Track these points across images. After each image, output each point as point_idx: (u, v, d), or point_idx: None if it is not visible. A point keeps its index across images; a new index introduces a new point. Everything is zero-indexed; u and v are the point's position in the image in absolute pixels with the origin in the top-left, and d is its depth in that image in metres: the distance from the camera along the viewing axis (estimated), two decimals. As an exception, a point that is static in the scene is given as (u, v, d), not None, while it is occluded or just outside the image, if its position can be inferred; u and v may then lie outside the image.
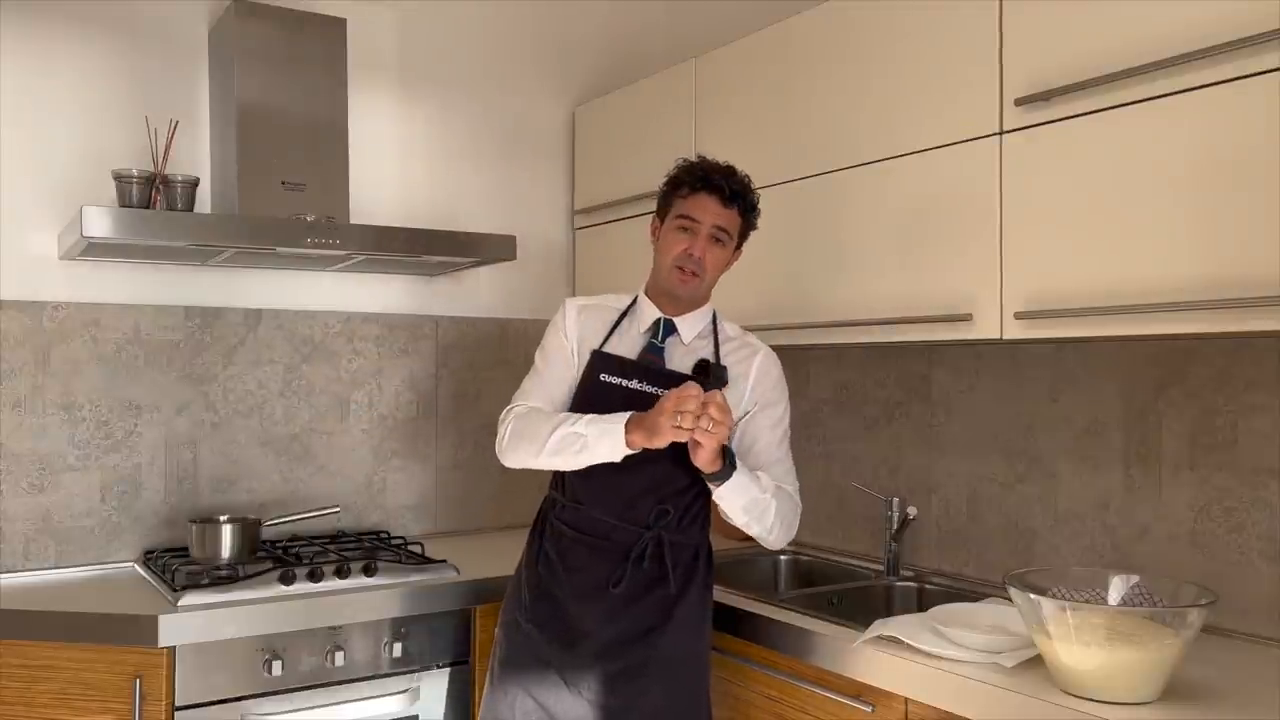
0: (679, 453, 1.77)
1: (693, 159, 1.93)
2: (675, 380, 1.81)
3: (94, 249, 2.21)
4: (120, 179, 2.29)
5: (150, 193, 2.32)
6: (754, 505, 1.80)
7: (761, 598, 2.07)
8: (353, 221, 2.59)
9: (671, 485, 1.85)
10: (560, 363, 1.95)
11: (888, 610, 2.27)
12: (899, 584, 2.32)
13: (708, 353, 1.90)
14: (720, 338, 1.93)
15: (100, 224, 2.03)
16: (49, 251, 2.39)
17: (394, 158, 2.84)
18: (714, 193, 1.85)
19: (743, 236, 1.93)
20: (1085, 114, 1.70)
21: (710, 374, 1.84)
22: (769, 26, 2.36)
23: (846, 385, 2.63)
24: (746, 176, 1.91)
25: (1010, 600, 1.58)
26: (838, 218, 2.18)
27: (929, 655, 1.65)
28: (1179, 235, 1.58)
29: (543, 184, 3.09)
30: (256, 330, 2.63)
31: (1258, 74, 1.48)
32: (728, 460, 1.75)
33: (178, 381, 2.53)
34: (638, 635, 1.82)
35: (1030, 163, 1.79)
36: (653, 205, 2.70)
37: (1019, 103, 1.78)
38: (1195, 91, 1.55)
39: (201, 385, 2.56)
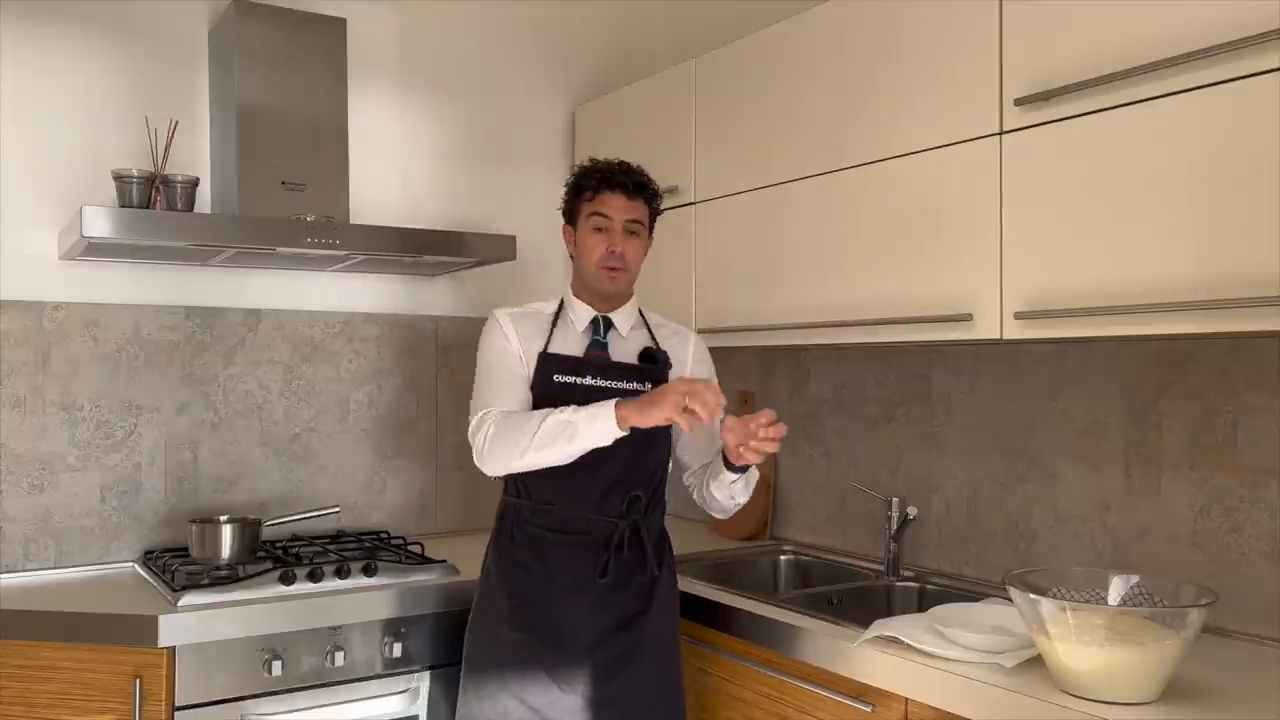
0: (645, 438, 1.85)
1: (585, 164, 2.01)
2: (625, 371, 1.93)
3: (94, 249, 2.21)
4: (120, 179, 2.29)
5: (150, 193, 2.32)
6: (751, 480, 1.95)
7: (761, 598, 2.07)
8: (353, 221, 2.60)
9: (641, 472, 1.92)
10: (514, 367, 1.95)
11: (888, 610, 2.27)
12: (899, 584, 2.32)
13: (646, 341, 1.99)
14: (652, 325, 2.03)
15: (100, 224, 2.03)
16: (49, 251, 2.39)
17: (394, 158, 2.84)
18: (619, 189, 1.93)
19: (652, 224, 2.02)
20: (1085, 114, 1.70)
21: (657, 360, 1.95)
22: (769, 26, 2.36)
23: (846, 385, 2.63)
24: (642, 169, 2.00)
25: (1010, 600, 1.58)
26: (837, 218, 2.18)
27: (929, 655, 1.65)
28: (1179, 235, 1.58)
29: (543, 184, 3.09)
30: (256, 330, 2.63)
31: (1258, 74, 1.48)
32: None
33: (178, 381, 2.53)
34: (623, 622, 1.89)
35: (1030, 163, 1.79)
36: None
37: (1019, 103, 1.78)
38: (1196, 91, 1.55)
39: (201, 385, 2.56)
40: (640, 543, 1.91)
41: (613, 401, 1.76)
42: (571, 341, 1.97)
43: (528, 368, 1.95)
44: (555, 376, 1.91)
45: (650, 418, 1.72)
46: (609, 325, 1.97)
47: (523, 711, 1.85)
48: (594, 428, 1.76)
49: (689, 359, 2.00)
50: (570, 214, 2.00)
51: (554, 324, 1.99)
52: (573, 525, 1.91)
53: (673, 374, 1.96)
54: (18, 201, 2.36)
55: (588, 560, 1.89)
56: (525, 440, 1.80)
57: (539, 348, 1.95)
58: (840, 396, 2.65)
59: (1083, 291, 1.70)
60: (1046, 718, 1.45)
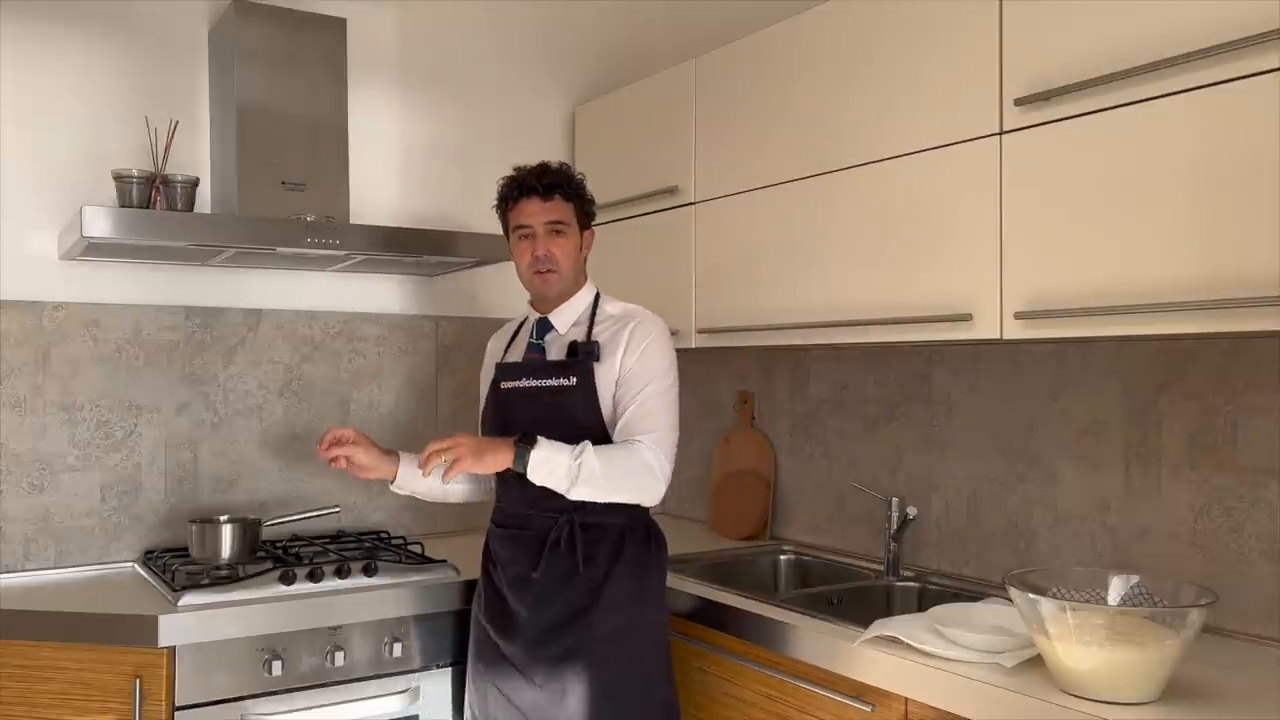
0: (571, 436, 1.89)
1: (504, 177, 2.06)
2: (551, 369, 2.00)
3: (94, 249, 2.21)
4: (120, 179, 2.29)
5: (150, 193, 2.32)
6: (570, 472, 1.84)
7: (761, 598, 2.07)
8: (353, 221, 2.60)
9: None
10: (485, 393, 2.19)
11: (888, 610, 2.27)
12: (899, 584, 2.32)
13: (580, 336, 2.02)
14: (598, 318, 2.05)
15: (100, 224, 2.03)
16: (49, 251, 2.39)
17: (394, 158, 2.84)
18: (530, 194, 2.00)
19: (586, 216, 2.07)
20: (1085, 114, 1.70)
21: (579, 353, 1.98)
22: (769, 26, 2.36)
23: (846, 385, 2.63)
24: (564, 165, 2.05)
25: (1010, 600, 1.58)
26: (838, 217, 2.18)
27: (929, 655, 1.65)
28: (1179, 235, 1.58)
29: (543, 184, 3.08)
30: (256, 330, 2.63)
31: (1258, 74, 1.48)
32: (521, 444, 1.84)
33: (178, 381, 2.53)
34: (568, 619, 1.91)
35: (1030, 163, 1.79)
36: (652, 205, 2.72)
37: (1019, 103, 1.78)
38: (1196, 91, 1.55)
39: (201, 385, 2.56)
40: (574, 539, 1.92)
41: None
42: (521, 348, 2.11)
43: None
44: (501, 384, 2.06)
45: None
46: (547, 327, 2.07)
47: (497, 695, 1.96)
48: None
49: (621, 347, 1.97)
50: (505, 230, 2.09)
51: (515, 334, 2.16)
52: (514, 520, 2.01)
53: (608, 362, 1.96)
54: (18, 201, 2.36)
55: (526, 555, 1.96)
56: None
57: (499, 359, 2.14)
58: (840, 396, 2.65)
59: (1083, 291, 1.70)
60: (1046, 718, 1.45)
